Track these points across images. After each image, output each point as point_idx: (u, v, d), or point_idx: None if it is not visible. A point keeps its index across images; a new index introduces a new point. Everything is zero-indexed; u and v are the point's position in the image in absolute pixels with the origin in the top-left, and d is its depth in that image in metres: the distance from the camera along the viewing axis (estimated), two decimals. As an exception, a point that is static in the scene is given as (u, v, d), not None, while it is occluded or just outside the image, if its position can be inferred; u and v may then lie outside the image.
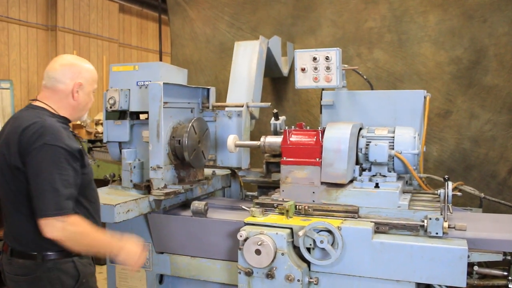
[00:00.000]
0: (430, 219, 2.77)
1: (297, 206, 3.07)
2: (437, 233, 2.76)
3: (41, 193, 2.17)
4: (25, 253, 2.30)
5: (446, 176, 2.92)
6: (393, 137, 3.16)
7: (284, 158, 3.17)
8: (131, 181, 3.41)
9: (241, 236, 2.87)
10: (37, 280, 2.25)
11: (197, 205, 3.32)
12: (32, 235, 2.26)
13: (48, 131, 2.25)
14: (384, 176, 3.13)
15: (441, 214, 2.80)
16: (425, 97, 3.49)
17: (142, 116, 3.69)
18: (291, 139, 3.19)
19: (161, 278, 3.57)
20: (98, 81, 2.64)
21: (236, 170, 4.11)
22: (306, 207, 3.05)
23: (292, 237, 2.87)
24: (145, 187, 3.37)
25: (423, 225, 2.80)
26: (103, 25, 7.87)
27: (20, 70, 6.53)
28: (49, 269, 2.29)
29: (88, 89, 2.50)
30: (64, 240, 2.21)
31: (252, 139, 3.77)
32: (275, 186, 3.71)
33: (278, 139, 3.34)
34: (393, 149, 3.12)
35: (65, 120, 2.47)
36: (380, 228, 2.88)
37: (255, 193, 4.14)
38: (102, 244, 2.34)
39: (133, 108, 3.53)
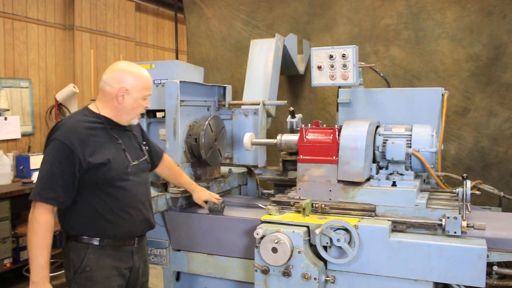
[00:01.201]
0: (448, 218, 2.74)
1: (314, 204, 3.06)
2: (455, 232, 2.73)
3: (36, 179, 2.46)
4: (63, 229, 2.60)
5: (464, 175, 2.89)
6: (411, 135, 3.13)
7: (301, 156, 3.17)
8: (148, 179, 3.40)
9: (257, 234, 2.87)
10: (63, 253, 2.58)
11: (213, 203, 3.31)
12: (61, 215, 2.56)
13: (63, 127, 2.46)
14: (401, 174, 3.10)
15: (460, 213, 2.76)
16: (442, 95, 3.44)
17: (158, 114, 3.70)
18: (307, 137, 3.18)
19: (178, 275, 3.58)
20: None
21: (252, 168, 4.11)
22: (323, 205, 3.04)
23: (309, 235, 2.86)
24: (162, 184, 3.39)
25: (441, 224, 2.77)
26: (120, 24, 7.91)
27: (38, 69, 6.60)
28: (69, 247, 2.54)
29: (135, 95, 2.58)
30: (28, 225, 2.41)
31: (268, 137, 3.77)
32: (291, 184, 3.71)
33: (294, 137, 3.34)
34: (410, 147, 3.09)
35: (105, 120, 2.58)
36: (398, 226, 2.86)
37: (272, 191, 4.13)
38: (32, 259, 2.38)
39: (150, 106, 3.51)
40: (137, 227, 2.67)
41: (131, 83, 2.57)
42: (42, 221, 2.38)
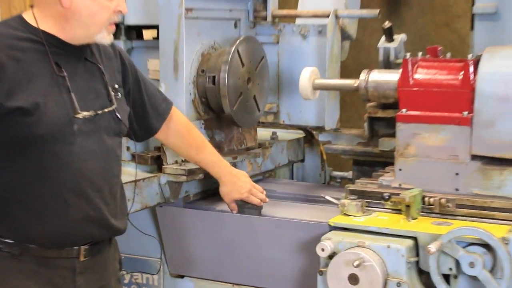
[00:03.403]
0: None
1: (426, 199, 3.02)
2: None
3: None
4: None
5: None
6: None
7: (403, 110, 3.15)
8: (127, 148, 3.45)
9: (323, 249, 2.85)
10: None
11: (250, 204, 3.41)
12: None
13: None
14: None
15: None
16: None
17: (146, 34, 3.77)
18: (416, 76, 3.17)
19: (178, 320, 3.68)
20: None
21: (314, 132, 4.13)
22: (443, 201, 3.00)
23: (417, 255, 2.85)
24: (153, 159, 3.47)
25: None
26: None
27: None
28: None
29: None
30: None
31: (343, 76, 3.81)
32: (385, 161, 3.73)
33: (391, 77, 3.32)
34: None
35: (46, 37, 2.57)
36: None
37: (349, 174, 4.22)
38: None
39: (131, 20, 3.64)
40: (81, 228, 2.65)
41: None
42: None
